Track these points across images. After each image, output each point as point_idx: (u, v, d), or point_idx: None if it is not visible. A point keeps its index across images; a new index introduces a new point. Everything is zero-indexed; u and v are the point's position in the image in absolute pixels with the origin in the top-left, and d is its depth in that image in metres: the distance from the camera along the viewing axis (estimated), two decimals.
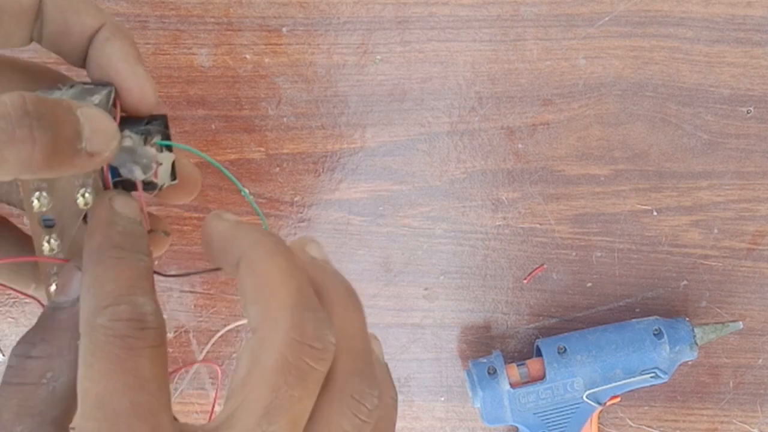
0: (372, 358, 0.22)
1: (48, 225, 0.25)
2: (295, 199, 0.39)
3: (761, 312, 0.40)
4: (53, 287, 0.25)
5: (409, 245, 0.40)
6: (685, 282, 0.40)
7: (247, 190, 0.29)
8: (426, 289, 0.40)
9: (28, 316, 0.41)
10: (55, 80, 0.27)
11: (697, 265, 0.39)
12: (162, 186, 0.26)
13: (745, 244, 0.39)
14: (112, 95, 0.25)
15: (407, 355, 0.42)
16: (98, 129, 0.23)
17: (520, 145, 0.38)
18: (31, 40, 0.25)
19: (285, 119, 0.38)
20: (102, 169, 0.24)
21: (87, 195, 0.24)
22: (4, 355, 0.42)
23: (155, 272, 0.24)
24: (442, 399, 0.42)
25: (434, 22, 0.37)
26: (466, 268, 0.40)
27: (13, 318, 0.42)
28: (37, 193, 0.24)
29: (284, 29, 0.37)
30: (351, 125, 0.38)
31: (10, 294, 0.41)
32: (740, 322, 0.39)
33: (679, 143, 0.38)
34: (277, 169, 0.39)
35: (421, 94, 0.37)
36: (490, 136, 0.38)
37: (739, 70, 0.37)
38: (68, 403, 0.21)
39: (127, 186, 0.25)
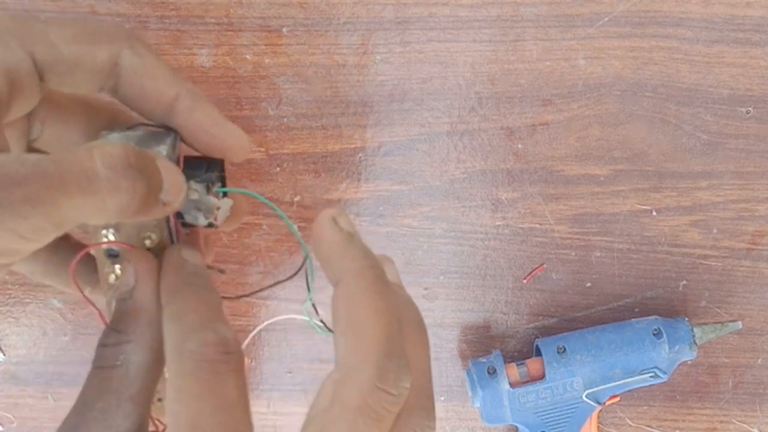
0: (432, 391, 0.24)
1: (112, 255, 0.27)
2: (295, 199, 0.39)
3: (760, 312, 0.40)
4: (112, 277, 0.27)
5: (409, 245, 0.40)
6: (684, 282, 0.40)
7: (295, 227, 0.30)
8: (426, 289, 0.40)
9: (28, 316, 0.42)
10: (113, 114, 0.29)
11: (696, 265, 0.40)
12: (219, 225, 0.28)
13: (745, 244, 0.39)
14: (177, 142, 0.26)
15: None
16: (173, 182, 0.25)
17: (519, 145, 0.38)
18: (101, 91, 0.26)
19: (285, 119, 0.38)
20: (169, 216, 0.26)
21: (153, 237, 0.27)
22: (4, 355, 0.42)
23: (223, 296, 0.26)
24: (442, 399, 0.42)
25: (434, 23, 0.37)
26: (466, 268, 0.40)
27: (13, 318, 0.42)
28: (104, 231, 0.26)
29: (284, 30, 0.37)
30: (351, 125, 0.38)
31: (10, 294, 0.41)
32: (739, 322, 0.39)
33: (678, 143, 0.38)
34: (278, 169, 0.39)
35: (421, 94, 0.38)
36: (490, 136, 0.38)
37: (738, 70, 0.37)
38: (142, 382, 0.23)
39: (188, 225, 0.27)
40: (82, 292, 0.28)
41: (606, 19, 0.36)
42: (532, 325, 0.41)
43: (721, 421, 0.42)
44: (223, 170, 0.28)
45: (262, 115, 0.38)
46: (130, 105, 0.26)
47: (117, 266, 0.27)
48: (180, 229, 0.27)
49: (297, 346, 0.42)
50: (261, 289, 0.30)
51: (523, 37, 0.37)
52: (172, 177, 0.24)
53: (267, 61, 0.37)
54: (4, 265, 0.22)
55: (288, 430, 0.43)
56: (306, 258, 0.28)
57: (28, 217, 0.20)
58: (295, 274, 0.29)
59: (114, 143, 0.23)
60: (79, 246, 0.29)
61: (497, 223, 0.39)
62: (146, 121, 0.27)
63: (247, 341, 0.36)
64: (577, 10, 0.36)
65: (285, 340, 0.42)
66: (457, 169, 0.39)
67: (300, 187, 0.39)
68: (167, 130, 0.27)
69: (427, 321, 0.41)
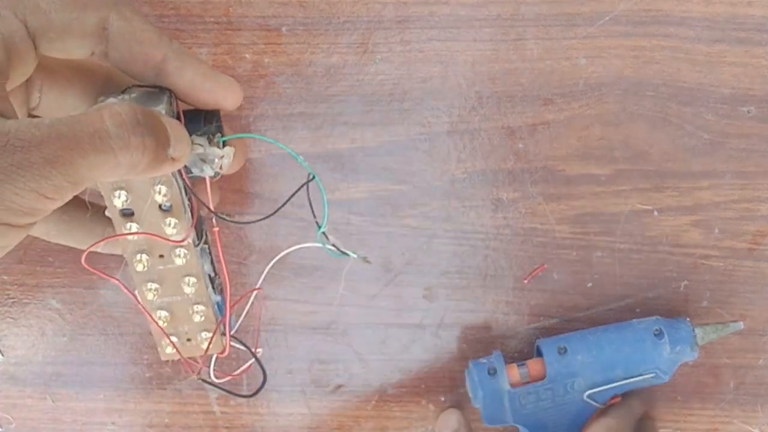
0: None
1: (127, 214, 0.29)
2: (297, 199, 0.39)
3: (762, 312, 0.40)
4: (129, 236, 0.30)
5: (409, 245, 0.40)
6: (685, 282, 0.40)
7: (300, 157, 0.31)
8: (426, 289, 0.40)
9: (27, 317, 0.41)
10: (108, 78, 0.30)
11: (697, 265, 0.39)
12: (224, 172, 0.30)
13: (746, 244, 0.39)
14: (173, 100, 0.28)
15: (407, 355, 0.41)
16: (179, 137, 0.26)
17: (520, 145, 0.38)
18: (92, 55, 0.27)
19: (284, 119, 0.38)
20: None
21: (163, 190, 0.28)
22: (3, 356, 0.42)
23: (228, 218, 0.32)
24: (442, 399, 0.42)
25: (434, 22, 0.36)
26: (466, 268, 0.40)
27: (12, 318, 0.42)
28: (117, 192, 0.28)
29: (284, 29, 0.37)
30: (351, 125, 0.38)
31: (9, 294, 0.41)
32: (741, 323, 0.39)
33: (679, 143, 0.38)
34: (278, 168, 0.39)
35: (421, 94, 0.37)
36: (490, 136, 0.38)
37: (739, 69, 0.37)
38: None
39: (196, 177, 0.29)
40: (97, 272, 0.30)
41: (607, 18, 0.36)
42: (532, 325, 0.41)
43: (723, 422, 0.42)
44: (219, 120, 0.30)
45: (261, 115, 0.38)
46: (120, 68, 0.27)
47: (133, 224, 0.29)
48: (189, 183, 0.29)
49: (297, 346, 0.42)
50: (270, 215, 0.32)
51: (524, 36, 0.36)
52: (177, 132, 0.26)
53: (266, 60, 0.37)
54: (27, 226, 0.24)
55: (288, 431, 0.43)
56: (311, 178, 0.30)
57: (48, 177, 0.22)
58: (295, 192, 0.30)
59: (121, 103, 0.24)
60: (86, 205, 0.31)
61: (498, 223, 0.39)
62: (139, 83, 0.28)
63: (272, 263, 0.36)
64: (578, 9, 0.36)
65: (285, 341, 0.41)
66: (457, 169, 0.38)
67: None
68: (161, 89, 0.28)
69: (427, 321, 0.42)
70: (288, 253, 0.38)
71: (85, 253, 0.29)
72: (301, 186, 0.31)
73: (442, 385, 0.42)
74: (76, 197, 0.31)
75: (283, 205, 0.31)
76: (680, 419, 0.42)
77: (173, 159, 0.26)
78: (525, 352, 0.41)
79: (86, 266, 0.29)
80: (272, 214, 0.32)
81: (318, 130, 0.38)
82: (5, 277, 0.41)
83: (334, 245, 0.32)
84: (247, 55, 0.37)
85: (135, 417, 0.43)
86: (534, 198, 0.39)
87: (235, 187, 0.39)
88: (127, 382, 0.42)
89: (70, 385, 0.43)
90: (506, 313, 0.41)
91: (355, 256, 0.33)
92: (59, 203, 0.23)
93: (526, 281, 0.40)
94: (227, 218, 0.33)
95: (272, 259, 0.36)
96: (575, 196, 0.39)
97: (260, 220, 0.34)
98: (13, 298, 0.41)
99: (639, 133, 0.38)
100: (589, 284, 0.40)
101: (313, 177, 0.31)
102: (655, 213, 0.39)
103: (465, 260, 0.40)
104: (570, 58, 0.37)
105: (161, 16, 0.36)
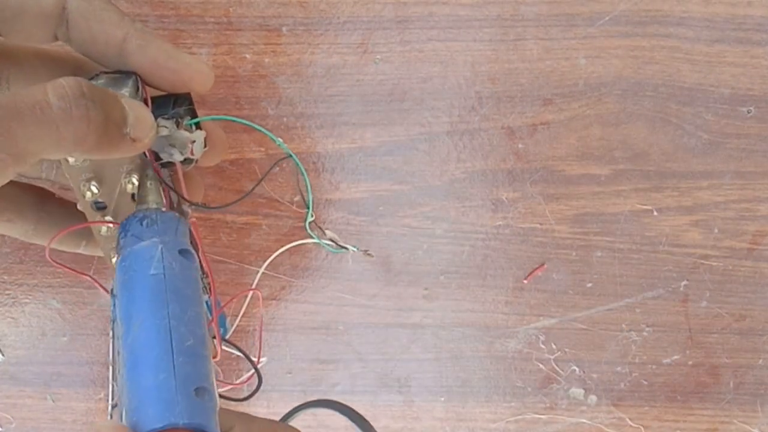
0: None
1: (100, 207, 0.28)
2: (295, 199, 0.39)
3: (762, 312, 0.40)
4: (104, 230, 0.28)
5: (409, 245, 0.40)
6: (685, 282, 0.40)
7: (280, 140, 0.30)
8: (426, 289, 0.40)
9: (27, 317, 0.41)
10: (77, 67, 0.29)
11: (697, 265, 0.39)
12: (198, 158, 0.28)
13: (746, 244, 0.39)
14: (139, 84, 0.27)
15: (407, 355, 0.42)
16: (140, 117, 0.25)
17: (520, 145, 0.38)
18: (56, 39, 0.26)
19: (285, 119, 0.38)
20: (145, 155, 0.27)
21: (135, 180, 0.27)
22: (3, 355, 0.42)
23: (204, 206, 0.28)
24: (442, 399, 0.42)
25: (434, 22, 0.36)
26: (466, 268, 0.40)
27: (12, 318, 0.42)
28: (87, 184, 0.27)
29: (284, 29, 0.37)
30: (351, 125, 0.38)
31: (9, 294, 0.41)
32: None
33: (679, 143, 0.38)
34: (277, 169, 0.39)
35: (421, 94, 0.37)
36: (490, 136, 0.38)
37: (739, 69, 0.37)
38: None
39: (167, 164, 0.28)
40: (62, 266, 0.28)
41: (607, 18, 0.36)
42: (532, 325, 0.41)
43: (722, 422, 0.42)
44: (191, 104, 0.28)
45: (262, 115, 0.38)
46: (82, 51, 0.26)
47: (107, 217, 0.28)
48: (159, 169, 0.27)
49: (297, 346, 0.42)
50: (243, 197, 0.30)
51: (524, 37, 0.36)
52: (137, 111, 0.25)
53: (266, 60, 0.37)
54: None
55: None
56: (286, 156, 0.28)
57: None
58: (269, 170, 0.28)
59: (67, 78, 0.23)
60: (65, 203, 0.30)
61: (498, 223, 0.39)
62: (107, 69, 0.27)
63: (271, 258, 0.36)
64: (578, 9, 0.36)
65: (285, 341, 0.41)
66: (457, 169, 0.38)
67: (300, 186, 0.39)
68: (128, 74, 0.27)
69: (427, 321, 0.42)
70: (289, 254, 0.38)
71: (50, 242, 0.28)
72: (275, 164, 0.30)
73: (442, 385, 0.42)
74: (52, 195, 0.31)
75: (257, 184, 0.30)
76: (680, 419, 0.42)
77: (133, 140, 0.25)
78: (525, 352, 0.41)
79: (51, 260, 0.28)
80: (245, 196, 0.30)
81: (318, 130, 0.38)
82: (5, 277, 0.41)
83: (332, 240, 0.31)
84: (247, 55, 0.37)
85: None
86: (534, 198, 0.39)
87: (235, 187, 0.39)
88: None
89: (71, 384, 0.43)
90: (506, 313, 0.41)
91: (355, 249, 0.32)
92: (2, 179, 0.22)
93: (525, 281, 0.40)
94: (202, 207, 0.32)
95: (270, 259, 0.35)
96: (575, 196, 0.39)
97: (233, 203, 0.33)
98: (13, 298, 0.41)
99: (639, 133, 0.38)
100: (589, 284, 0.40)
101: (290, 155, 0.30)
102: (655, 213, 0.39)
103: (465, 260, 0.40)
104: (570, 59, 0.37)
105: (161, 16, 0.37)
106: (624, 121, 0.38)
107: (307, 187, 0.30)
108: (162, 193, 0.28)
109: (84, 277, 0.29)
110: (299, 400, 0.42)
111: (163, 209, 0.27)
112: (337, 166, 0.39)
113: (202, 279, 0.31)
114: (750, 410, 0.41)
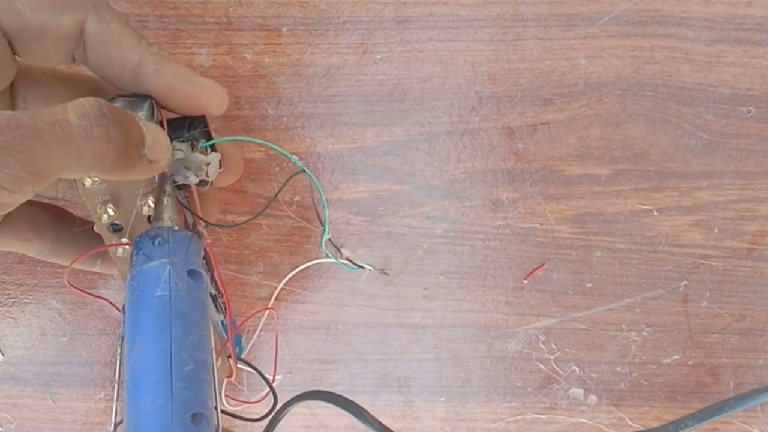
0: None
1: (116, 229, 0.28)
2: (295, 199, 0.39)
3: (762, 312, 0.40)
4: (120, 251, 0.28)
5: (409, 245, 0.40)
6: (685, 282, 0.40)
7: (296, 157, 0.30)
8: (426, 289, 0.40)
9: (27, 317, 0.41)
10: (95, 89, 0.30)
11: (697, 265, 0.39)
12: (213, 180, 0.28)
13: (746, 244, 0.39)
14: (154, 107, 0.27)
15: (407, 355, 0.42)
16: (157, 139, 0.25)
17: (520, 145, 0.38)
18: (74, 61, 0.26)
19: (285, 119, 0.38)
20: (160, 177, 0.27)
21: (151, 203, 0.27)
22: (3, 355, 0.42)
23: (219, 225, 0.29)
24: (442, 399, 0.42)
25: (434, 22, 0.36)
26: (466, 268, 0.40)
27: (12, 318, 0.42)
28: (104, 207, 0.27)
29: (284, 29, 0.37)
30: (351, 125, 0.38)
31: (9, 294, 0.41)
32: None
33: (679, 143, 0.38)
34: (277, 169, 0.39)
35: (421, 94, 0.37)
36: (490, 136, 0.38)
37: (739, 69, 0.37)
38: None
39: (182, 186, 0.28)
40: (82, 291, 0.28)
41: (607, 18, 0.36)
42: (532, 325, 0.41)
43: (722, 422, 0.42)
44: (206, 126, 0.28)
45: (262, 115, 0.38)
46: (98, 74, 0.27)
47: (123, 239, 0.28)
48: (175, 193, 0.28)
49: (297, 346, 0.42)
50: (258, 214, 0.31)
51: (524, 37, 0.36)
52: (154, 134, 0.25)
53: (266, 60, 0.37)
54: None
55: (288, 431, 0.43)
56: (300, 170, 0.29)
57: (5, 165, 0.21)
58: (284, 184, 0.28)
59: (87, 98, 0.23)
60: (81, 222, 0.30)
61: (497, 223, 0.39)
62: (123, 93, 0.27)
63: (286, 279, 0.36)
64: (578, 9, 0.36)
65: (285, 341, 0.41)
66: (457, 169, 0.38)
67: (300, 187, 0.39)
68: (144, 98, 0.27)
69: (427, 321, 0.42)
70: (289, 254, 0.38)
71: (68, 268, 0.28)
72: (289, 178, 0.30)
73: (442, 385, 0.42)
74: (70, 215, 0.31)
75: (272, 200, 0.30)
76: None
77: (150, 161, 0.25)
78: (524, 352, 0.41)
79: (69, 285, 0.28)
80: (260, 214, 0.31)
81: (318, 130, 0.38)
82: (5, 277, 0.41)
83: (348, 259, 0.31)
84: (247, 55, 0.37)
85: None
86: (534, 198, 0.39)
87: (235, 187, 0.39)
88: None
89: (70, 385, 0.43)
90: (506, 313, 0.41)
91: (371, 268, 0.32)
92: (21, 197, 0.22)
93: (525, 281, 0.40)
94: (217, 226, 0.32)
95: (285, 275, 0.35)
96: (575, 196, 0.39)
97: (248, 221, 0.33)
98: (13, 298, 0.41)
99: (639, 133, 0.38)
100: (589, 284, 0.40)
101: (303, 170, 0.30)
102: (655, 213, 0.39)
103: (465, 260, 0.40)
104: (570, 59, 0.37)
105: (161, 16, 0.37)
106: (624, 121, 0.38)
107: (323, 203, 0.30)
108: (177, 210, 0.28)
109: (101, 300, 0.29)
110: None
111: (177, 228, 0.27)
112: (337, 166, 0.39)
113: (217, 299, 0.32)
114: (750, 410, 0.41)
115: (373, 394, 0.42)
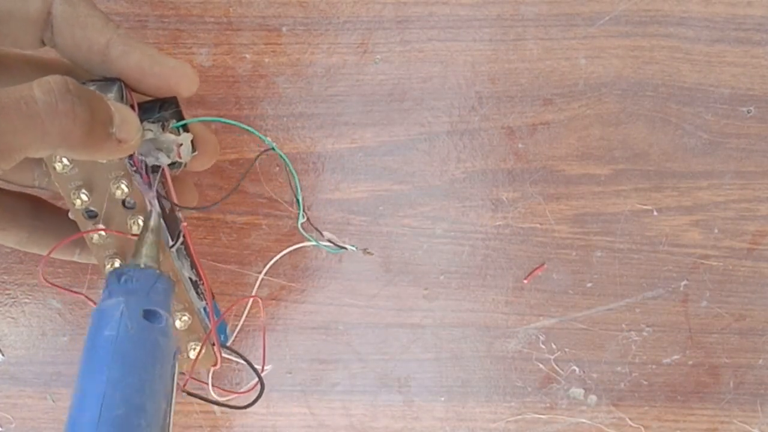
0: None
1: (91, 216, 0.28)
2: (294, 199, 0.39)
3: (762, 312, 0.40)
4: (96, 238, 0.28)
5: (409, 245, 0.40)
6: (685, 282, 0.40)
7: (269, 139, 0.30)
8: (426, 289, 0.40)
9: (27, 317, 0.41)
10: (67, 73, 0.29)
11: (697, 264, 0.39)
12: (186, 162, 0.28)
13: (746, 244, 0.39)
14: (124, 90, 0.27)
15: (407, 355, 0.42)
16: (126, 118, 0.25)
17: (520, 145, 0.38)
18: (44, 45, 0.26)
19: (284, 119, 0.38)
20: (131, 159, 0.27)
21: (123, 186, 0.27)
22: (3, 355, 0.42)
23: (195, 208, 0.29)
24: (442, 399, 0.42)
25: (434, 22, 0.36)
26: (466, 268, 0.40)
27: (12, 318, 0.42)
28: (77, 192, 0.27)
29: (284, 29, 0.37)
30: (351, 125, 0.38)
31: (9, 294, 0.41)
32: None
33: (679, 143, 0.38)
34: (277, 168, 0.39)
35: (421, 94, 0.37)
36: (490, 136, 0.38)
37: (739, 69, 0.37)
38: None
39: (155, 168, 0.28)
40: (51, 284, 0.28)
41: (607, 18, 0.36)
42: (532, 325, 0.41)
43: (722, 422, 0.42)
44: (178, 107, 0.28)
45: (262, 115, 0.38)
46: (68, 57, 0.27)
47: (99, 226, 0.28)
48: (145, 174, 0.27)
49: (297, 346, 0.42)
50: (225, 197, 0.31)
51: (524, 37, 0.36)
52: (122, 113, 0.25)
53: (266, 60, 0.37)
54: None
55: (288, 430, 0.43)
56: (268, 148, 0.29)
57: None
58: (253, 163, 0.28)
59: (54, 75, 0.23)
60: (58, 211, 0.30)
61: (497, 223, 0.39)
62: (94, 77, 0.27)
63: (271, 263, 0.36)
64: (578, 9, 0.36)
65: (285, 340, 0.41)
66: (457, 169, 0.38)
67: (300, 186, 0.39)
68: (113, 81, 0.27)
69: (427, 321, 0.42)
70: (287, 253, 0.38)
71: (45, 259, 0.28)
72: (258, 156, 0.30)
73: (442, 385, 0.42)
74: (47, 204, 0.31)
75: (241, 180, 0.30)
76: (680, 419, 0.42)
77: (119, 141, 0.25)
78: (524, 352, 0.41)
79: (44, 280, 0.28)
80: (227, 196, 0.31)
81: (318, 130, 0.38)
82: (5, 277, 0.41)
83: (330, 240, 0.31)
84: (247, 55, 0.37)
85: None
86: (534, 198, 0.39)
87: (236, 188, 0.39)
88: None
89: (70, 385, 0.43)
90: (506, 313, 0.41)
91: (354, 248, 0.32)
92: None
93: (525, 281, 0.40)
94: (193, 209, 0.31)
95: (269, 265, 0.35)
96: (575, 196, 0.39)
97: (217, 204, 0.33)
98: (13, 297, 0.41)
99: (639, 133, 0.38)
100: (589, 284, 0.40)
101: (273, 148, 0.30)
102: (655, 213, 0.39)
103: (465, 260, 0.40)
104: (570, 58, 0.37)
105: (161, 16, 0.37)
106: (624, 121, 0.38)
107: (296, 185, 0.30)
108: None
109: (78, 295, 0.29)
110: (299, 400, 0.42)
111: (148, 265, 0.27)
112: (337, 166, 0.39)
113: (198, 285, 0.31)
114: (750, 410, 0.41)
115: (373, 394, 0.42)
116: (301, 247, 0.38)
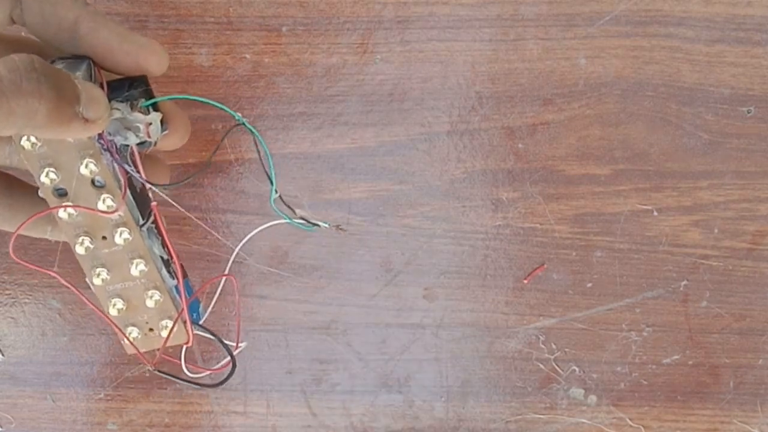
0: None
1: (61, 194, 0.28)
2: (295, 199, 0.39)
3: (762, 312, 0.40)
4: (65, 215, 0.28)
5: (409, 245, 0.40)
6: (685, 282, 0.40)
7: (240, 114, 0.29)
8: (426, 289, 0.40)
9: (27, 317, 0.41)
10: (38, 53, 0.28)
11: (697, 265, 0.39)
12: (156, 141, 0.28)
13: (746, 244, 0.39)
14: (92, 68, 0.26)
15: (407, 355, 0.42)
16: (93, 97, 0.25)
17: (520, 145, 0.38)
18: (13, 22, 0.26)
19: (285, 119, 0.38)
20: (100, 138, 0.26)
21: (91, 165, 0.27)
22: (3, 355, 0.42)
23: (154, 185, 0.28)
24: (442, 399, 0.42)
25: (434, 22, 0.36)
26: (466, 268, 0.40)
27: (12, 318, 0.42)
28: (45, 170, 0.27)
29: (284, 29, 0.37)
30: (351, 125, 0.38)
31: (9, 294, 0.41)
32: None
33: (679, 143, 0.38)
34: (277, 169, 0.39)
35: (421, 94, 0.37)
36: (490, 136, 0.38)
37: (739, 69, 0.37)
38: None
39: (124, 147, 0.27)
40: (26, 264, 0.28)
41: (607, 18, 0.36)
42: (532, 325, 0.41)
43: (722, 422, 0.42)
44: (148, 86, 0.28)
45: (262, 115, 0.38)
46: (37, 35, 0.26)
47: (68, 202, 0.28)
48: (115, 152, 0.27)
49: (297, 346, 0.42)
50: (192, 175, 0.31)
51: (524, 37, 0.37)
52: (90, 92, 0.25)
53: (266, 60, 0.37)
54: None
55: (288, 430, 0.43)
56: (237, 123, 0.29)
57: None
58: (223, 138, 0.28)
59: (19, 53, 0.23)
60: (30, 189, 0.30)
61: (497, 223, 0.39)
62: (63, 55, 0.27)
63: (245, 240, 0.36)
64: (578, 9, 0.36)
65: (285, 341, 0.41)
66: (457, 169, 0.38)
67: (300, 187, 0.39)
68: (82, 59, 0.27)
69: (427, 321, 0.42)
70: (287, 253, 0.38)
71: (14, 235, 0.28)
72: (228, 131, 0.30)
73: (442, 385, 0.42)
74: (18, 181, 0.31)
75: (210, 157, 0.29)
76: (680, 419, 0.42)
77: (86, 120, 0.24)
78: (524, 352, 0.41)
79: (14, 257, 0.28)
80: (194, 175, 0.30)
81: (318, 130, 0.38)
82: (5, 277, 0.41)
83: (303, 218, 0.30)
84: (247, 55, 0.37)
85: (135, 417, 0.43)
86: (534, 198, 0.39)
87: (235, 188, 0.39)
88: (127, 381, 0.42)
89: (70, 385, 0.43)
90: (506, 313, 0.41)
91: (326, 225, 0.31)
92: None
93: (525, 281, 0.40)
94: (164, 186, 0.31)
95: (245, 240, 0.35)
96: (575, 196, 0.39)
97: (185, 181, 0.33)
98: (13, 297, 0.41)
99: (639, 133, 0.38)
100: (589, 284, 0.40)
101: (243, 123, 0.29)
102: (655, 213, 0.39)
103: (465, 260, 0.40)
104: (570, 59, 0.37)
105: (161, 16, 0.37)
106: (624, 121, 0.38)
107: (269, 162, 0.29)
108: (120, 176, 0.28)
109: (48, 272, 0.29)
110: (299, 400, 0.42)
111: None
112: (337, 166, 0.39)
113: (169, 264, 0.31)
114: (750, 410, 0.41)
115: (373, 394, 0.42)
116: (302, 242, 0.38)
